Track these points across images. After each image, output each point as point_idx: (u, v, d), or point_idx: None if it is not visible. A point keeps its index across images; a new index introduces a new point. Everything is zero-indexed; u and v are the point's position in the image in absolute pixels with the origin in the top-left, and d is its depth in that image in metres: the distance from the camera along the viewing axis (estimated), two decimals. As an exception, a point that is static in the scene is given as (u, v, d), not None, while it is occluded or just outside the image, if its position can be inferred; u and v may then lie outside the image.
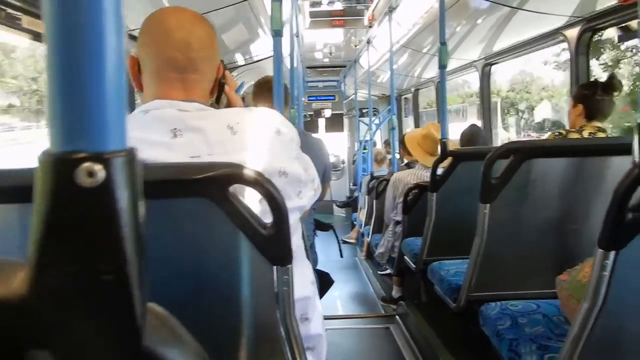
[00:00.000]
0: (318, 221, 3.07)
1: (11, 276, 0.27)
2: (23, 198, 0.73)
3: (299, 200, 0.95)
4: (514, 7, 2.94)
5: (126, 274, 0.26)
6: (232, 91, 1.09)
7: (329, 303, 3.79)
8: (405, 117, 7.53)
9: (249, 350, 0.88)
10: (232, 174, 0.81)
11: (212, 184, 0.80)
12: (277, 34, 1.69)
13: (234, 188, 0.81)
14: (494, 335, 1.44)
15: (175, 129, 0.87)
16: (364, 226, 5.02)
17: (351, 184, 8.47)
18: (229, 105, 1.09)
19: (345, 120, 8.93)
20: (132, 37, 3.02)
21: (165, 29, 0.92)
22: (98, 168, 0.25)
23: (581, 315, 1.04)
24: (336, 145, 8.93)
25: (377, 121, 7.21)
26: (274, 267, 0.89)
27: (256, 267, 0.89)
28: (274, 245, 0.86)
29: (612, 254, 0.98)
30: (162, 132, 0.86)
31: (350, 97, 7.98)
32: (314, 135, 3.14)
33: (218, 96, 1.04)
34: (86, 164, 0.25)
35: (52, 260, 0.26)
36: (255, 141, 0.89)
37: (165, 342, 0.30)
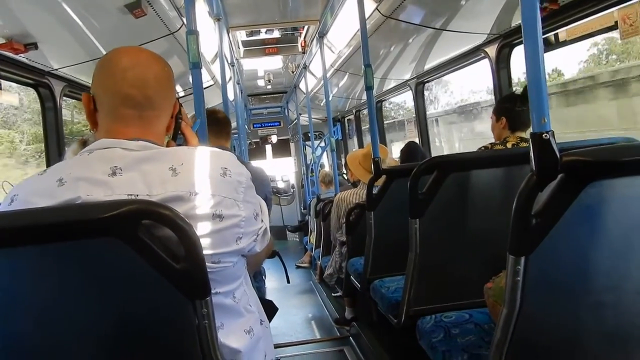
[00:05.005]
0: None
1: None
2: None
3: (236, 245, 0.92)
4: (437, 29, 3.06)
5: None
6: (187, 127, 1.08)
7: (285, 329, 3.74)
8: (350, 138, 7.64)
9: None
10: (139, 210, 0.79)
11: (118, 222, 0.78)
12: (194, 66, 1.65)
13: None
14: (429, 348, 1.46)
15: (115, 167, 0.86)
16: (315, 249, 5.01)
17: (302, 208, 8.49)
18: (186, 142, 1.08)
19: (292, 145, 8.98)
20: (61, 78, 2.89)
21: (121, 67, 0.92)
22: None
23: (502, 321, 1.07)
24: (285, 170, 8.96)
25: (322, 144, 7.30)
26: (193, 302, 0.87)
27: (175, 303, 0.88)
28: (188, 280, 0.85)
29: (522, 259, 1.01)
30: (103, 171, 0.86)
31: (294, 122, 8.04)
32: (254, 164, 3.14)
33: (175, 133, 1.03)
34: None
35: None
36: (195, 182, 0.88)
37: None
